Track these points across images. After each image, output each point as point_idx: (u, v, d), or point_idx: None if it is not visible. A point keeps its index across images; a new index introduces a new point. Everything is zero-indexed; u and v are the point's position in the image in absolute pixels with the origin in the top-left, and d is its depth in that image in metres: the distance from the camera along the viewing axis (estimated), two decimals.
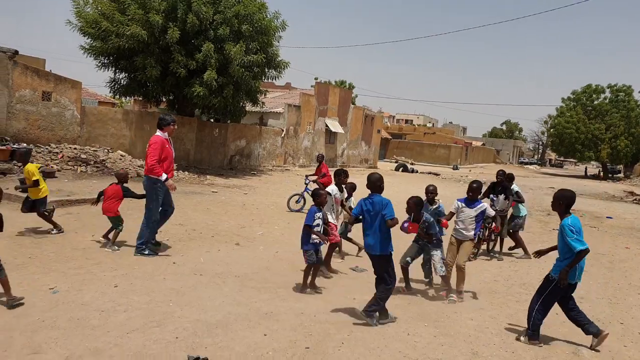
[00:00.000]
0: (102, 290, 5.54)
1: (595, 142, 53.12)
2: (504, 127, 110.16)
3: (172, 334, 4.53)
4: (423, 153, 54.50)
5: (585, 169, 65.76)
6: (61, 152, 13.98)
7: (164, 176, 7.06)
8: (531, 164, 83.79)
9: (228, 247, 8.17)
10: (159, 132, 7.22)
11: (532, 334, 4.99)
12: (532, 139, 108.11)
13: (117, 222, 7.34)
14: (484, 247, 9.26)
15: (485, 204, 6.50)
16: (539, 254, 5.43)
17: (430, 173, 36.05)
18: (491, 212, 6.55)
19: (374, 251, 5.26)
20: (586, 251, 4.72)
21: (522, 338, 5.05)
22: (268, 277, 6.74)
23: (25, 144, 12.99)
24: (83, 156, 14.12)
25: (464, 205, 6.47)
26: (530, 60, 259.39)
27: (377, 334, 4.96)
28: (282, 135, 26.39)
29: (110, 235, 7.34)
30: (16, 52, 13.40)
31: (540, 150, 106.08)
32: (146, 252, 7.03)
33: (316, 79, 58.26)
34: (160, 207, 7.29)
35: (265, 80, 21.22)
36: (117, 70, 18.74)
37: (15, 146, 12.34)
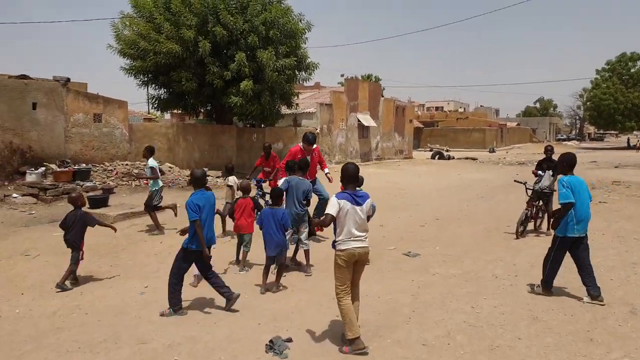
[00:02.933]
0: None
1: (637, 112, 51.23)
2: (537, 105, 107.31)
3: (254, 320, 5.00)
4: (457, 139, 53.90)
5: (628, 139, 63.42)
6: (115, 169, 14.84)
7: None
8: (569, 139, 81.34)
9: None
10: (301, 144, 8.64)
11: (546, 283, 5.61)
12: (568, 115, 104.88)
13: (249, 240, 6.97)
14: (531, 224, 9.35)
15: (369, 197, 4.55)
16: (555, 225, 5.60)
17: (467, 158, 35.76)
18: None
19: None
20: (569, 205, 5.23)
21: (535, 288, 5.70)
22: (327, 266, 7.13)
23: (84, 164, 13.88)
24: (135, 171, 14.94)
25: (347, 202, 4.37)
26: (559, 34, 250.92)
27: (440, 309, 5.29)
28: (316, 133, 26.85)
29: (241, 257, 7.03)
30: (68, 80, 14.32)
31: (578, 125, 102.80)
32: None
33: (342, 75, 58.48)
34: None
35: (297, 83, 21.70)
36: (156, 87, 19.67)
37: (75, 167, 13.22)
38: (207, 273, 5.38)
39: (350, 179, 4.48)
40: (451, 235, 9.28)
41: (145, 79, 19.10)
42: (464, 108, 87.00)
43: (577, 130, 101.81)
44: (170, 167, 16.53)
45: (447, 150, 41.47)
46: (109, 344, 4.43)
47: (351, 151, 30.36)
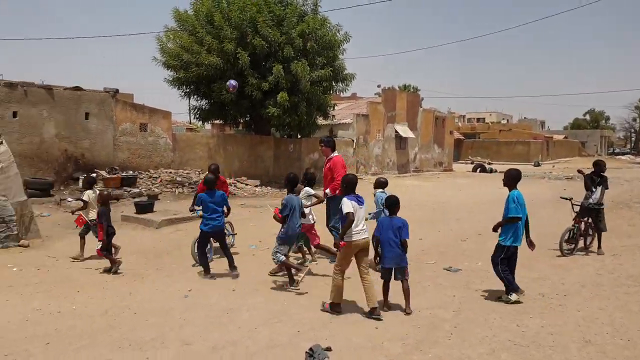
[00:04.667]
0: (223, 293, 6.22)
1: None
2: (587, 118, 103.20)
3: (293, 328, 5.05)
4: (500, 151, 52.67)
5: None
6: (159, 176, 15.34)
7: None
8: (624, 154, 77.54)
9: (323, 253, 8.63)
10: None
11: (515, 289, 5.91)
12: (622, 127, 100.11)
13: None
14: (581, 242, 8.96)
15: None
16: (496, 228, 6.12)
17: None
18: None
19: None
20: (517, 219, 5.82)
21: (504, 297, 5.93)
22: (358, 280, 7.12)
23: (130, 172, 14.43)
24: (178, 179, 15.38)
25: (355, 203, 5.57)
26: (610, 44, 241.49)
27: (483, 325, 5.18)
28: (353, 145, 26.90)
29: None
30: (117, 91, 14.97)
31: (634, 139, 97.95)
32: None
33: (379, 86, 58.36)
34: None
35: (333, 94, 21.84)
36: (198, 98, 20.24)
37: (123, 174, 13.74)
38: (223, 245, 7.14)
39: (353, 186, 5.69)
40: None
41: (188, 90, 19.71)
42: (507, 120, 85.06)
43: (632, 144, 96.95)
44: None
45: (489, 163, 40.57)
46: (156, 343, 4.58)
47: (388, 162, 30.20)
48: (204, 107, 20.66)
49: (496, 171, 35.26)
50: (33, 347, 4.45)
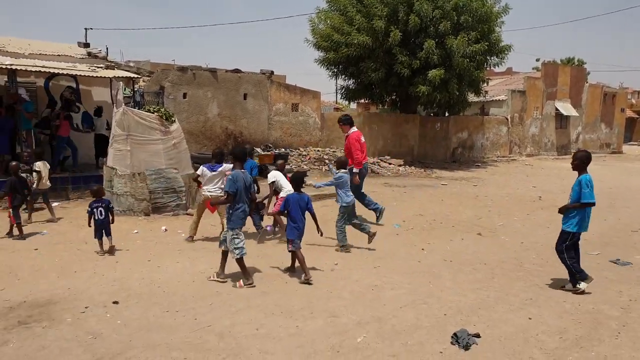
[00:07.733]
0: (367, 269, 6.37)
1: None
2: None
3: (439, 311, 4.98)
4: None
5: None
6: (308, 154, 16.14)
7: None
8: None
9: (470, 237, 8.35)
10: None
11: (584, 277, 5.56)
12: None
13: None
14: None
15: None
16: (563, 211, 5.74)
17: None
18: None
19: None
20: (592, 204, 5.56)
21: (567, 286, 5.64)
22: (518, 266, 6.72)
23: (282, 149, 15.43)
24: (325, 157, 16.01)
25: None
26: None
27: None
28: (508, 124, 25.11)
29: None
30: (272, 73, 16.00)
31: None
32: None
33: (538, 59, 53.22)
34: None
35: (487, 69, 20.55)
36: (346, 77, 20.61)
37: (276, 151, 14.74)
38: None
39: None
40: None
41: (336, 70, 20.15)
42: None
43: None
44: None
45: None
46: (305, 312, 4.88)
47: (546, 143, 27.68)
48: (351, 86, 21.00)
49: None
50: (199, 306, 5.01)
